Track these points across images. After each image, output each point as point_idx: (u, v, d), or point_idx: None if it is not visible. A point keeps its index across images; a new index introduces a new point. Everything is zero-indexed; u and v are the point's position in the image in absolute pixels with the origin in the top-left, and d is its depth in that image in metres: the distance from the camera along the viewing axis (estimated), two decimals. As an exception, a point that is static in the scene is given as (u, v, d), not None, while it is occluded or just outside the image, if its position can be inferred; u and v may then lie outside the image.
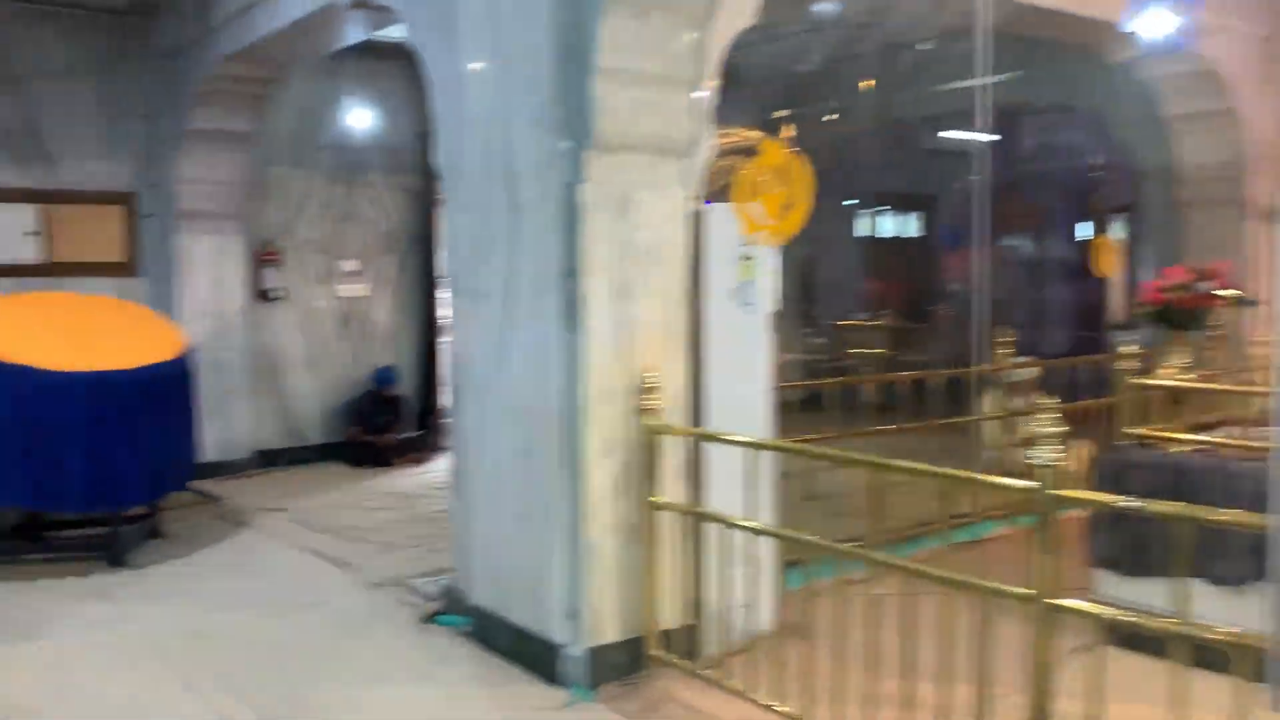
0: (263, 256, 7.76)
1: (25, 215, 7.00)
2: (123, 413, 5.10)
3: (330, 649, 3.98)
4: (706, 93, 3.72)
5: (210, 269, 7.34)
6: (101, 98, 7.27)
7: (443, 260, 8.22)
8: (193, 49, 6.84)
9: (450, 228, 4.26)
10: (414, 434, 8.25)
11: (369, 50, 7.24)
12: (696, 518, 3.55)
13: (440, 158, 4.23)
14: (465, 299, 4.08)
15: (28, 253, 7.00)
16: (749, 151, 3.81)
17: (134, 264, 7.39)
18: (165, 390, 5.33)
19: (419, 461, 8.01)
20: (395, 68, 7.94)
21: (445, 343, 8.41)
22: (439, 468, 7.79)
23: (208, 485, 7.01)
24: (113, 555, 5.18)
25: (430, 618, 4.23)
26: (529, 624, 3.68)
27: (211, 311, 7.35)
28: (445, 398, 8.38)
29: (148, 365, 5.25)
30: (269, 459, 7.83)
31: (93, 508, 5.05)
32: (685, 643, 3.60)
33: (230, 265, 7.44)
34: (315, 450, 8.11)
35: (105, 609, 4.51)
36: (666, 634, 3.60)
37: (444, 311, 8.37)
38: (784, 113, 7.73)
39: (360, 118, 8.22)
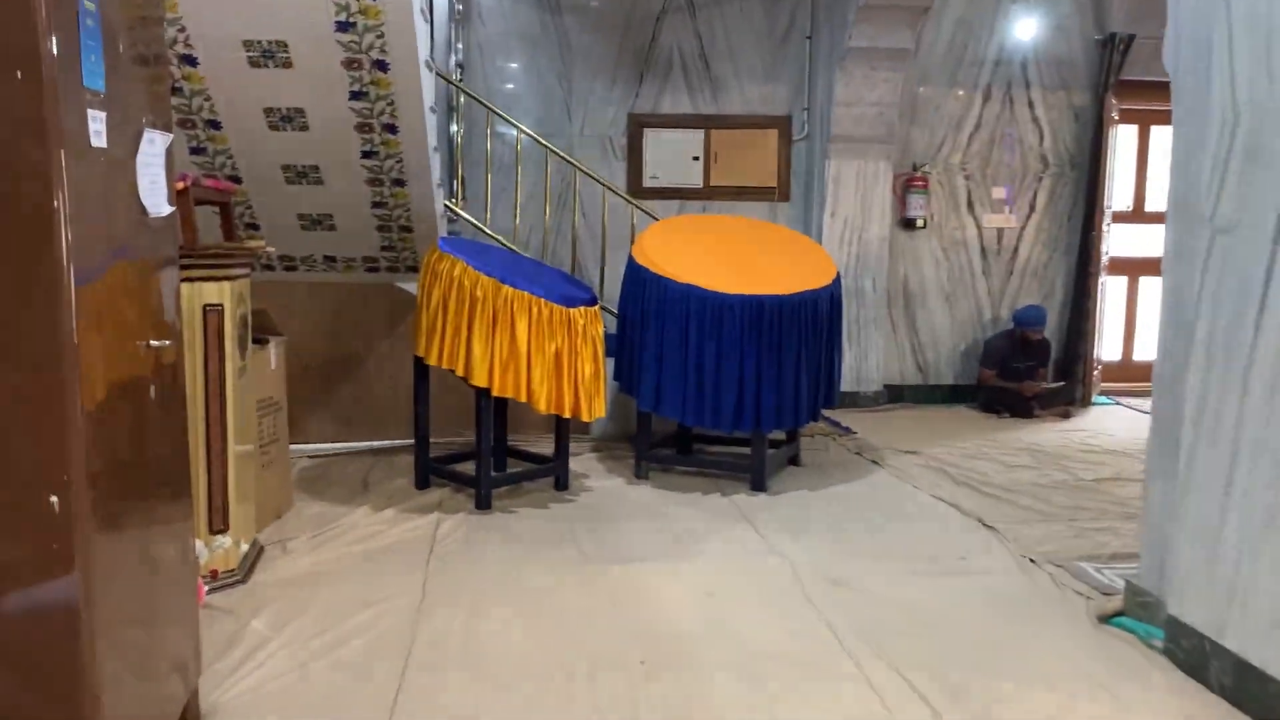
0: (908, 181, 7.36)
1: (694, 141, 7.34)
2: (776, 339, 5.03)
3: (988, 631, 3.46)
4: None
5: (856, 194, 7.12)
6: (769, 19, 7.33)
7: (1107, 187, 7.15)
8: (858, -38, 6.56)
9: (1177, 142, 3.38)
10: (1057, 384, 7.38)
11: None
12: None
13: (1170, 58, 3.36)
14: (1195, 231, 3.20)
15: (694, 177, 7.35)
16: None
17: (784, 188, 7.44)
18: (816, 319, 5.16)
19: (1065, 416, 7.15)
20: (1073, -34, 6.96)
21: (1105, 283, 7.38)
22: (1089, 426, 6.87)
23: (839, 416, 6.89)
24: (755, 478, 5.20)
25: (1107, 618, 3.52)
26: None
27: (854, 238, 7.15)
28: (1096, 347, 7.37)
29: (802, 292, 5.11)
30: (895, 394, 7.54)
31: (740, 428, 5.07)
32: None
33: (876, 191, 7.15)
34: (944, 391, 7.65)
35: (747, 535, 4.47)
36: None
37: (1106, 247, 7.33)
38: None
39: (1025, 28, 7.38)
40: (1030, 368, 7.29)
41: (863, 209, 7.12)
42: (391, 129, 4.77)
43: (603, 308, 5.38)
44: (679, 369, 5.10)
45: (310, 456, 5.73)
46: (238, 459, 3.77)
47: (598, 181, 6.46)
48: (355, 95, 4.57)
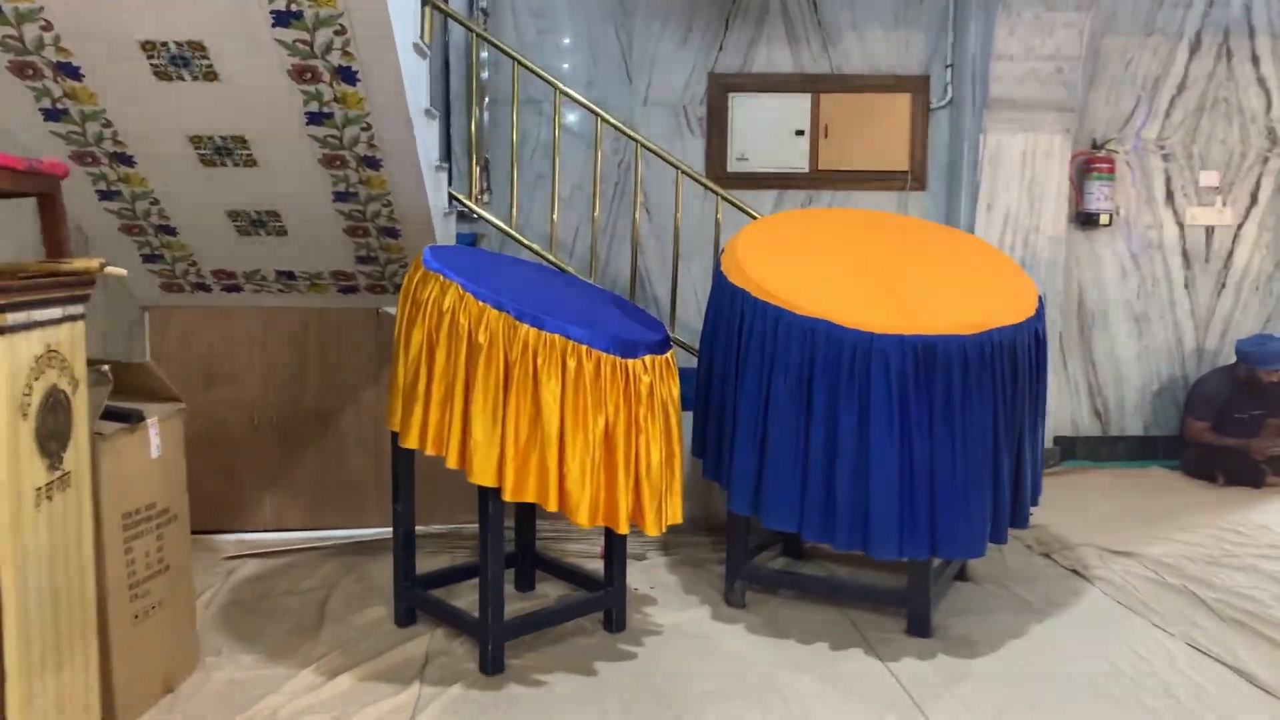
0: (1088, 164, 5.44)
1: (797, 110, 5.50)
2: (959, 402, 3.18)
3: None
4: None
5: (1022, 180, 5.22)
6: (897, -53, 5.48)
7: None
8: None
9: None
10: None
11: None
12: None
13: None
14: None
15: (796, 158, 5.51)
16: None
17: (918, 172, 5.56)
18: (1016, 370, 3.31)
19: (1311, 486, 5.19)
20: None
21: None
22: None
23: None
24: (914, 615, 3.37)
25: None
26: None
27: (1019, 240, 5.25)
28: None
29: (993, 329, 3.26)
30: (1066, 449, 5.63)
31: (907, 553, 3.23)
32: None
33: (1051, 175, 5.23)
34: (1129, 444, 5.72)
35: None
36: None
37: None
38: None
39: (1254, -49, 5.42)
40: (1258, 418, 5.33)
41: (1031, 200, 5.22)
42: (347, 76, 3.02)
43: (675, 343, 3.61)
44: (795, 449, 3.29)
45: (257, 554, 4.02)
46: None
47: (668, 163, 4.67)
48: (284, 15, 2.83)
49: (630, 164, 5.18)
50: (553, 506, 2.95)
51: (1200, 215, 5.62)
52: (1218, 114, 5.55)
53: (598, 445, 2.95)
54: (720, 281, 3.61)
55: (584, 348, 2.93)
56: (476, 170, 4.41)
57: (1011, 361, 3.30)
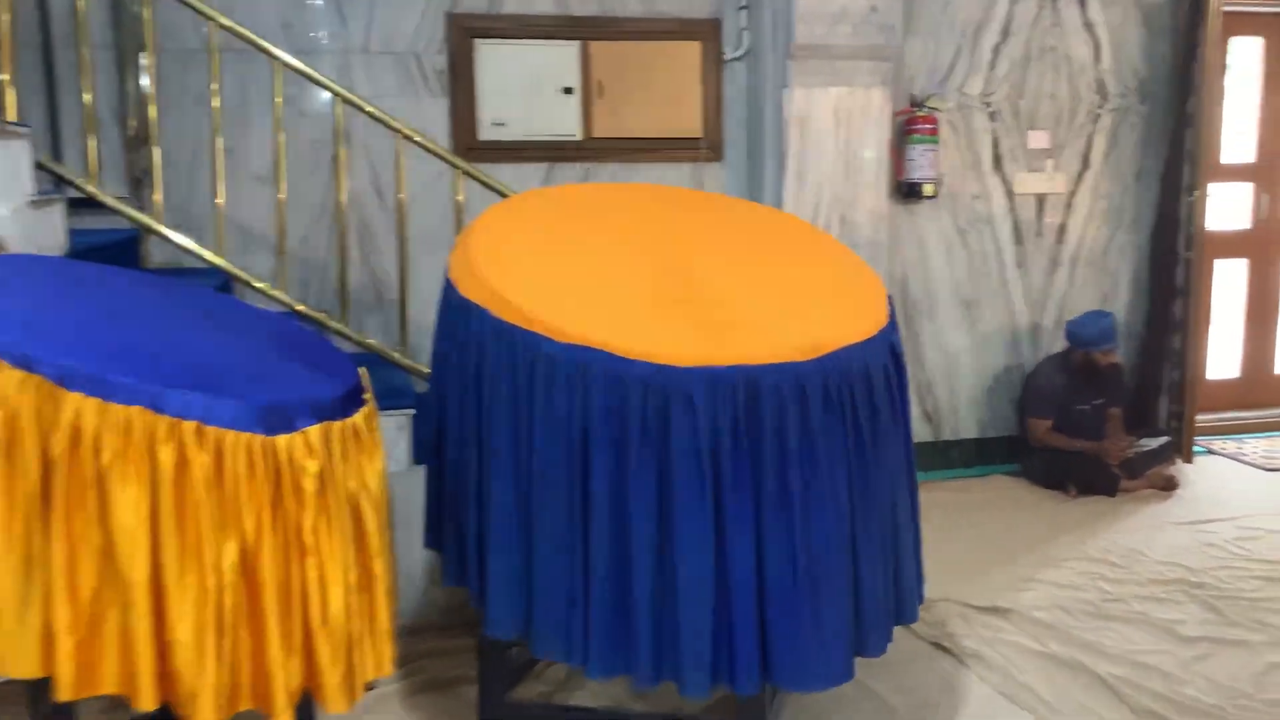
0: (908, 124, 4.60)
1: (563, 61, 4.38)
2: (797, 460, 2.17)
3: None
4: None
5: (836, 144, 4.30)
6: None
7: (1206, 129, 4.58)
8: None
9: None
10: (1157, 439, 4.74)
11: None
12: None
13: None
14: None
15: (565, 123, 4.40)
16: None
17: (713, 138, 4.55)
18: (873, 407, 2.31)
19: (1169, 487, 4.53)
20: None
21: (1201, 270, 4.84)
22: (1213, 505, 4.28)
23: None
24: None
25: None
26: None
27: (836, 218, 4.34)
28: (1191, 369, 4.81)
29: (836, 351, 2.25)
30: (897, 460, 4.78)
31: (726, 681, 2.19)
32: None
33: (868, 137, 4.33)
34: (966, 450, 4.96)
35: None
36: None
37: (1214, 221, 4.78)
38: None
39: (1077, -125, 4.69)
40: (1100, 408, 4.66)
41: (848, 169, 4.31)
42: None
43: (412, 374, 2.41)
44: (570, 546, 2.20)
45: None
46: None
47: (386, 125, 3.47)
48: None
49: (349, 133, 3.93)
50: (148, 703, 1.73)
51: (1030, 182, 4.89)
52: (1045, 65, 4.82)
53: (228, 588, 1.75)
54: (449, 295, 2.46)
55: (191, 425, 1.72)
56: (94, 143, 3.04)
57: (867, 394, 2.31)
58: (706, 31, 4.47)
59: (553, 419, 2.18)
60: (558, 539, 2.20)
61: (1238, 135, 5.36)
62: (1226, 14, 4.77)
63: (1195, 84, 4.72)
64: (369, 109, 3.46)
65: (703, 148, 4.50)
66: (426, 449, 2.69)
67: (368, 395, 2.14)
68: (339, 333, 3.36)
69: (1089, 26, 4.85)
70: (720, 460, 2.15)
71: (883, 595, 2.39)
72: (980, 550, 3.84)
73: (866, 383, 2.32)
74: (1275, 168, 5.41)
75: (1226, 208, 5.27)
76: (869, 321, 2.41)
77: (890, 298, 2.59)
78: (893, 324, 2.49)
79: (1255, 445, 5.17)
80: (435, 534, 2.58)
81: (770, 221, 3.05)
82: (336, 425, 1.94)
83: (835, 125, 4.27)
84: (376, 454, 2.08)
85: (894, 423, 2.45)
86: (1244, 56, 5.34)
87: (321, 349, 2.31)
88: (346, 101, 3.44)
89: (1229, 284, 5.42)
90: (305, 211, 4.08)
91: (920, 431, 4.84)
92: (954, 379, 4.93)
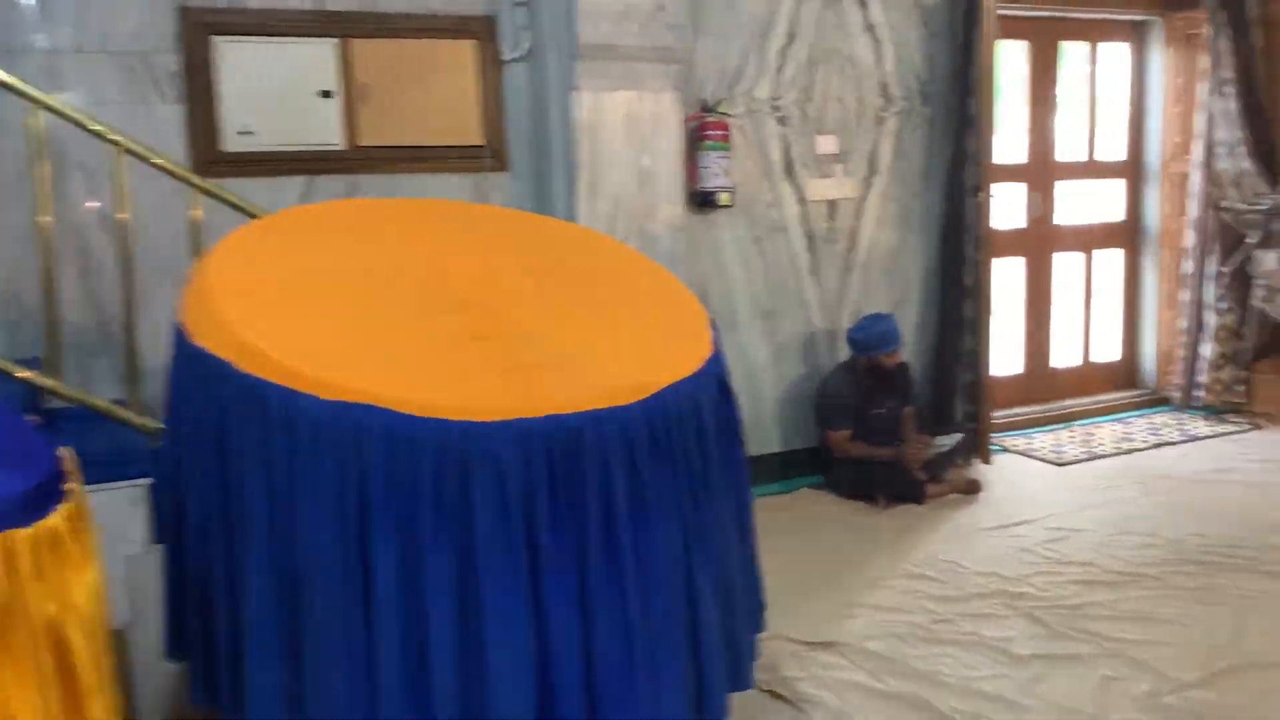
0: (701, 130, 4.38)
1: (319, 61, 3.88)
2: (625, 520, 1.84)
3: None
4: None
5: (628, 152, 4.02)
6: None
7: (986, 131, 4.62)
8: None
9: None
10: (951, 436, 4.73)
11: None
12: None
13: None
14: None
15: (325, 131, 3.90)
16: None
17: (499, 146, 4.16)
18: (704, 450, 2.01)
19: (972, 490, 4.52)
20: None
21: (988, 269, 4.90)
22: (1018, 506, 4.28)
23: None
24: None
25: None
26: None
27: (633, 231, 4.05)
28: (984, 367, 4.86)
29: (663, 390, 1.94)
30: (706, 481, 4.55)
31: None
32: None
33: (663, 143, 4.07)
34: (772, 465, 4.79)
35: None
36: None
37: (994, 221, 4.83)
38: None
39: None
40: (895, 409, 4.60)
41: (642, 179, 4.04)
42: None
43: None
44: (353, 652, 1.77)
45: None
46: None
47: (111, 142, 2.90)
48: None
49: (60, 150, 3.30)
50: None
51: (821, 188, 4.79)
52: (831, 68, 4.73)
53: None
54: (181, 344, 1.97)
55: None
56: None
57: (698, 437, 2.01)
58: (481, 29, 4.08)
59: (320, 494, 1.75)
60: (333, 643, 1.77)
61: (1010, 137, 5.49)
62: (997, 17, 4.83)
63: (974, 86, 4.75)
64: (73, 116, 2.86)
65: (486, 157, 4.11)
66: (166, 529, 2.19)
67: (72, 485, 1.64)
68: (50, 390, 2.75)
69: (871, 29, 4.79)
70: (536, 529, 1.80)
71: (721, 658, 2.10)
72: (800, 575, 3.64)
73: (697, 423, 2.02)
74: (1046, 167, 5.57)
75: (1004, 208, 5.37)
76: (694, 352, 2.11)
77: (714, 322, 2.31)
78: (718, 353, 2.21)
79: (1043, 440, 5.29)
80: (177, 639, 2.09)
81: (574, 239, 2.71)
82: (21, 534, 1.45)
83: (627, 131, 3.98)
84: (87, 563, 1.59)
85: (727, 464, 2.17)
86: (1012, 59, 5.47)
87: (10, 428, 1.78)
88: (49, 110, 2.84)
89: (1009, 282, 5.55)
90: (14, 242, 3.39)
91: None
92: (757, 392, 4.75)
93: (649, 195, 4.05)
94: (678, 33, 4.00)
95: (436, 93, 4.03)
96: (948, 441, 4.66)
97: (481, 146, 4.09)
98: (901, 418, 4.62)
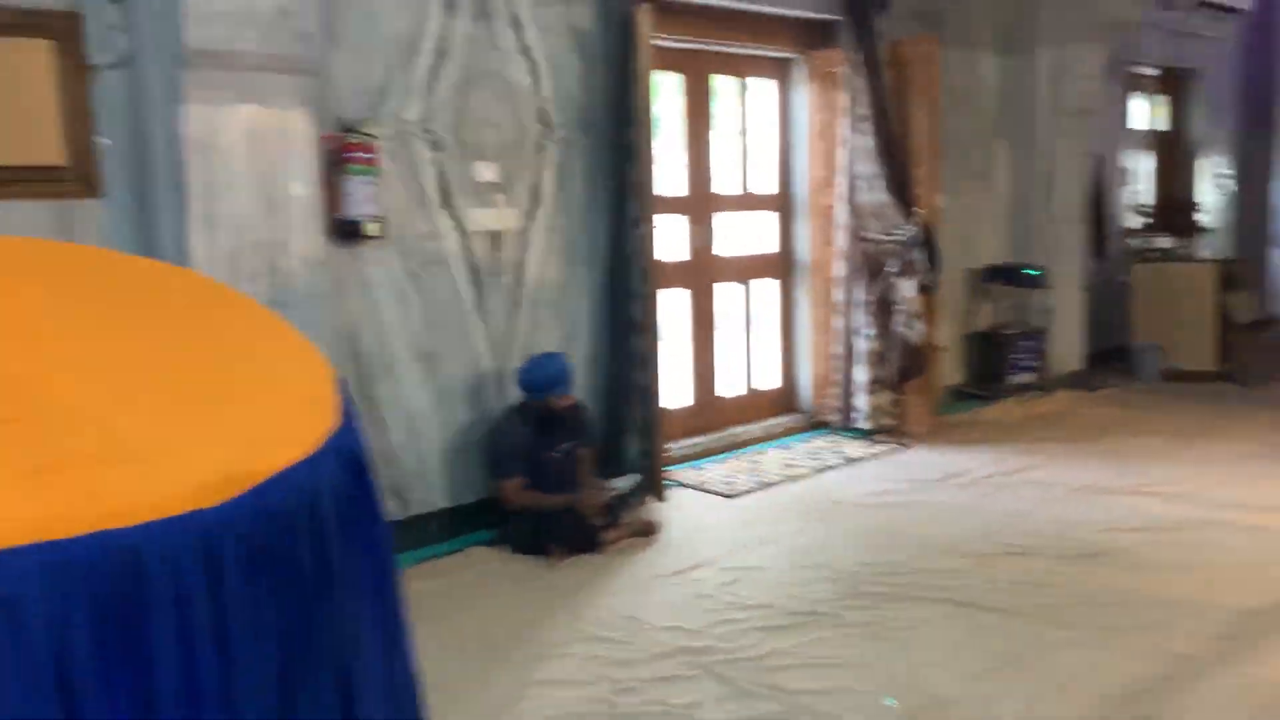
0: (343, 152, 3.90)
1: None
2: (200, 677, 1.36)
3: None
4: None
5: (252, 176, 3.47)
6: None
7: (647, 161, 4.52)
8: None
9: None
10: (629, 480, 4.53)
11: None
12: None
13: None
14: None
15: None
16: None
17: (87, 168, 3.45)
18: (325, 567, 1.57)
19: (649, 532, 4.34)
20: None
21: (669, 306, 4.81)
22: (696, 548, 4.15)
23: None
24: None
25: None
26: None
27: (262, 269, 3.50)
28: (656, 403, 4.74)
29: (262, 484, 1.48)
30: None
31: None
32: None
33: (293, 165, 3.56)
34: (440, 521, 4.38)
35: None
36: None
37: (659, 253, 4.75)
38: None
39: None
40: (570, 451, 4.36)
41: (271, 206, 3.49)
42: None
43: None
44: None
45: None
46: None
47: None
48: None
49: None
50: None
51: (482, 218, 4.46)
52: (487, 91, 4.42)
53: None
54: None
55: None
56: None
57: (314, 534, 1.57)
58: (62, 28, 3.38)
59: None
60: None
61: (671, 169, 5.44)
62: (653, 48, 4.74)
63: (632, 116, 4.62)
64: None
65: (69, 180, 3.39)
66: None
67: None
68: None
69: (526, 51, 4.54)
70: (74, 691, 1.29)
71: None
72: (466, 655, 3.25)
73: (312, 516, 1.58)
74: (705, 199, 5.58)
75: (668, 240, 5.30)
76: (313, 427, 1.67)
77: (344, 382, 1.88)
78: (348, 425, 1.78)
79: (714, 470, 5.25)
80: None
81: (161, 284, 2.16)
82: None
83: (250, 152, 3.44)
84: None
85: (363, 555, 1.74)
86: (669, 91, 5.44)
87: None
88: None
89: (676, 313, 5.49)
90: None
91: (387, 502, 4.15)
92: (420, 443, 4.33)
93: (280, 225, 3.52)
94: (306, 42, 3.52)
95: (2, 102, 3.27)
96: (623, 484, 4.46)
97: (63, 168, 3.37)
98: (577, 461, 4.39)
